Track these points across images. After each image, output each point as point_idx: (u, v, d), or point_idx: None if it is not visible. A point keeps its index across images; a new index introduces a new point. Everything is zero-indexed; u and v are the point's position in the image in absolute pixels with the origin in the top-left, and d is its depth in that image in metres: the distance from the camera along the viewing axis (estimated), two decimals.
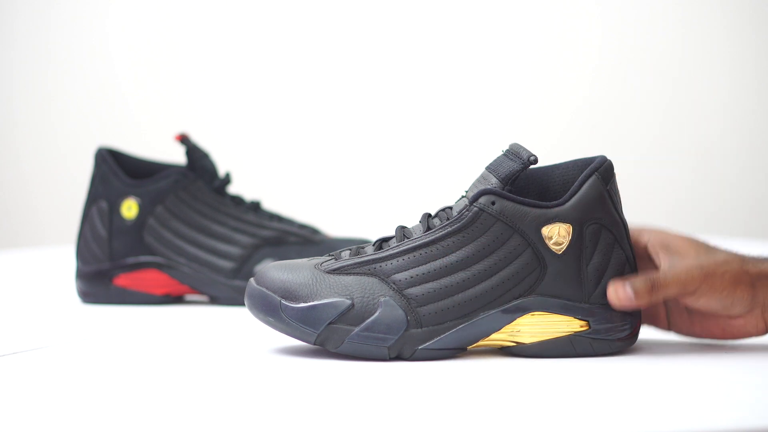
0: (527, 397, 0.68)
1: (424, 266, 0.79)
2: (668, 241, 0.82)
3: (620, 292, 0.79)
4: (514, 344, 0.80)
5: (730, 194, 2.52)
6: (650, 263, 0.83)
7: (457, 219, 0.79)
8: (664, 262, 0.81)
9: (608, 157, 0.81)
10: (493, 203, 0.79)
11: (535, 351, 0.79)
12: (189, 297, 1.20)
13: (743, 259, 0.80)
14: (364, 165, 2.56)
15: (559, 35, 2.54)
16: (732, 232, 2.42)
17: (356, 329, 0.78)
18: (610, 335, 0.80)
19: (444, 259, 0.79)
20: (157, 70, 2.57)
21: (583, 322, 0.80)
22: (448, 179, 2.42)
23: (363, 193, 2.55)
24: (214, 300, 1.17)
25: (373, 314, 0.78)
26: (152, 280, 1.16)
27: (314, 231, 1.21)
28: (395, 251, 0.79)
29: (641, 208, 2.44)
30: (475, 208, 0.79)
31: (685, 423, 0.60)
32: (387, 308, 0.78)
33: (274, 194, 2.09)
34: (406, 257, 0.79)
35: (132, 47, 2.57)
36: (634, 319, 0.81)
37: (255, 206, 1.20)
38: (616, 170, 0.81)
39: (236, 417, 0.61)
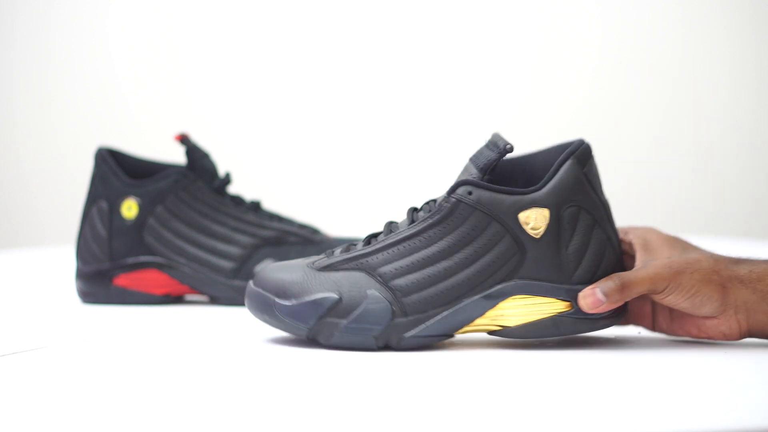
0: (526, 395, 0.68)
1: (408, 258, 0.81)
2: (648, 240, 0.84)
3: (589, 300, 0.80)
4: (500, 328, 0.81)
5: (730, 194, 2.52)
6: (632, 260, 0.85)
7: (437, 210, 0.81)
8: (639, 260, 0.82)
9: (586, 140, 0.82)
10: (470, 193, 0.81)
11: (520, 333, 0.81)
12: (189, 297, 1.20)
13: (717, 260, 0.81)
14: (364, 165, 2.56)
15: (559, 35, 2.54)
16: (732, 232, 2.42)
17: (345, 321, 0.80)
18: (594, 314, 0.81)
19: (426, 249, 0.81)
20: (157, 70, 2.57)
21: (566, 303, 0.81)
22: (448, 179, 2.41)
23: (363, 193, 2.55)
24: (214, 300, 1.17)
25: (359, 306, 0.80)
26: (152, 280, 1.16)
27: (314, 231, 1.21)
28: (381, 245, 0.82)
29: (642, 208, 2.44)
30: (453, 199, 0.81)
31: (685, 423, 0.60)
32: (373, 299, 0.80)
33: (274, 194, 2.09)
34: (391, 250, 0.81)
35: (132, 47, 2.57)
36: None
37: (255, 206, 1.20)
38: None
39: (235, 417, 0.61)
